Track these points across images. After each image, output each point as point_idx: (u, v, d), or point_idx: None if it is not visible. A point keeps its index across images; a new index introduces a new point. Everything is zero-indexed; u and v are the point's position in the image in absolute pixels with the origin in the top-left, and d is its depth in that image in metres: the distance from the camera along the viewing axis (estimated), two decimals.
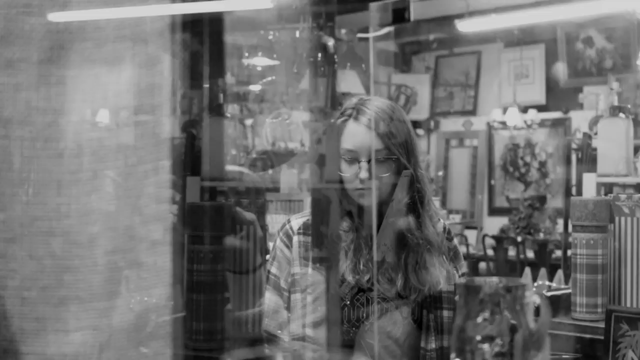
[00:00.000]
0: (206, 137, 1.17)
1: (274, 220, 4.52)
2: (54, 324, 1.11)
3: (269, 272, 2.06)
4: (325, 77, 1.14)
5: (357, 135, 1.97)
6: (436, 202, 2.61)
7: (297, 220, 2.08)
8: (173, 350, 1.09)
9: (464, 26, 6.64)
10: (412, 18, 1.20)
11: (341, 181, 1.99)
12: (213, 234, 1.37)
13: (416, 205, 2.01)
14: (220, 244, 1.38)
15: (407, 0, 1.19)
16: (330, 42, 1.14)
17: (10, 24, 1.12)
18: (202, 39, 1.11)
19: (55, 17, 1.10)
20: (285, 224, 2.09)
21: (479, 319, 1.09)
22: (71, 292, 1.10)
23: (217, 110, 1.16)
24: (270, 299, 2.04)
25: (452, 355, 1.12)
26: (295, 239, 2.05)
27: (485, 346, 1.09)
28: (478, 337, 1.09)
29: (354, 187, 1.97)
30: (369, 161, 1.95)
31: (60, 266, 1.11)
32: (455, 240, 2.16)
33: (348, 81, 7.43)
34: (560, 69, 7.63)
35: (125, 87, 1.09)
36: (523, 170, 8.11)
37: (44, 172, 1.11)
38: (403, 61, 8.94)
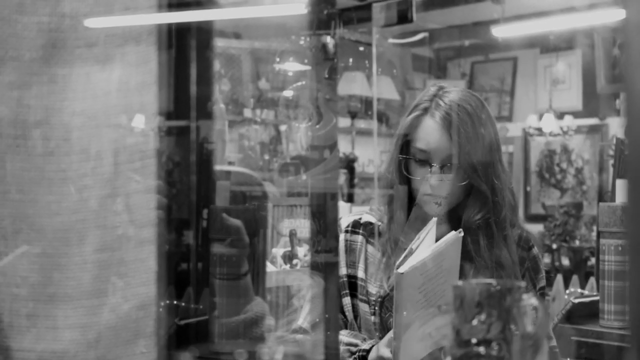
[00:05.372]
0: (197, 139, 1.18)
1: (303, 225, 4.55)
2: (44, 321, 1.12)
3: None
4: (329, 79, 1.14)
5: (432, 134, 1.76)
6: None
7: (347, 218, 1.92)
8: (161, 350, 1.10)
9: (499, 32, 6.59)
10: (414, 19, 1.19)
11: (407, 182, 1.80)
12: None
13: (489, 224, 1.78)
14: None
15: (410, 1, 1.17)
16: (331, 43, 1.13)
17: (2, 23, 1.14)
18: (190, 41, 1.12)
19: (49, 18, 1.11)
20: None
21: (475, 322, 1.08)
22: (60, 290, 1.12)
23: (206, 113, 1.16)
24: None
25: None
26: (341, 237, 1.88)
27: (481, 350, 1.07)
28: (474, 341, 1.08)
29: (423, 192, 1.77)
30: (442, 166, 1.75)
31: (51, 264, 1.12)
32: (535, 250, 1.91)
33: (382, 87, 7.42)
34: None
35: (115, 86, 1.10)
36: (559, 177, 8.01)
37: (35, 170, 1.13)
38: (438, 67, 8.90)
